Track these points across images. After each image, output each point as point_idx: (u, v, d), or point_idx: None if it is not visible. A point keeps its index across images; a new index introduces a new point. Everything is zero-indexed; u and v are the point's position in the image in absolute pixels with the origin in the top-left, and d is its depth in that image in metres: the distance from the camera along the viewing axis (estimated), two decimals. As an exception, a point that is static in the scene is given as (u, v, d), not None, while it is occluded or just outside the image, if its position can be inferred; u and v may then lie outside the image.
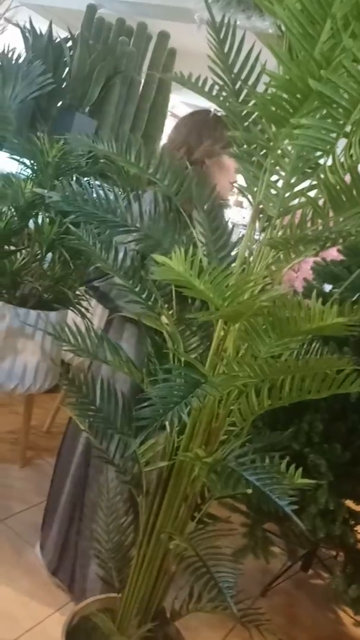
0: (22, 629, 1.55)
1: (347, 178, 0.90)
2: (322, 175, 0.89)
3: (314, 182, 0.99)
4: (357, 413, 1.72)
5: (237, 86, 1.00)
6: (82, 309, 2.20)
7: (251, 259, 1.07)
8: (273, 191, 1.03)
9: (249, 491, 0.97)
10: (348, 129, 0.93)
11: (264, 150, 1.00)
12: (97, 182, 2.16)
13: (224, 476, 1.03)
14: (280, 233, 0.99)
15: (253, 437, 1.35)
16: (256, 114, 0.97)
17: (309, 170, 0.98)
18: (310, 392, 1.13)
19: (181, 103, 6.84)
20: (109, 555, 1.36)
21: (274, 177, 1.04)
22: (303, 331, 0.98)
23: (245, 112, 0.97)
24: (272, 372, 1.05)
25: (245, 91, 1.00)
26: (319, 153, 0.88)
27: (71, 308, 2.21)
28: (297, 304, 0.95)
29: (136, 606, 1.24)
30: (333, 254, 2.23)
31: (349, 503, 1.79)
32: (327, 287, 1.92)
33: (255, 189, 1.04)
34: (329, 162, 0.91)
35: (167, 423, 1.20)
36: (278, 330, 1.01)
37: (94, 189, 1.13)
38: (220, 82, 1.04)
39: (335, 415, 1.76)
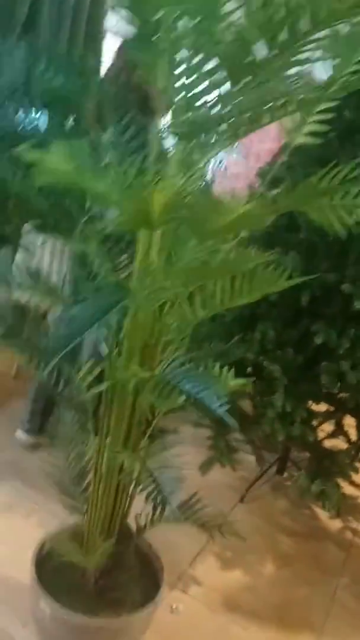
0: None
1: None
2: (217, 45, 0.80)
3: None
4: (309, 317, 1.71)
5: None
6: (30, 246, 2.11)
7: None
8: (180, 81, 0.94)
9: (182, 399, 0.96)
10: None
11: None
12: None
13: (158, 389, 1.01)
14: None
15: (196, 349, 1.33)
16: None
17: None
18: (242, 295, 1.10)
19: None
20: (71, 482, 1.37)
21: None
22: (220, 228, 0.92)
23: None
24: (196, 277, 1.01)
25: None
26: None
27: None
28: (208, 200, 0.89)
29: (99, 526, 1.26)
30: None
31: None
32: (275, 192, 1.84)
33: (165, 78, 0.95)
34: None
35: (103, 345, 1.18)
36: (197, 231, 0.96)
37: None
38: None
39: (288, 322, 1.75)
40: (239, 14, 0.79)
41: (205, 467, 1.67)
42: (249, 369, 1.83)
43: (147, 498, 1.13)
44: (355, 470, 1.68)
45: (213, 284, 1.09)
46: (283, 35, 0.76)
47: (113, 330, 1.13)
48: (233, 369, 1.10)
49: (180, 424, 1.78)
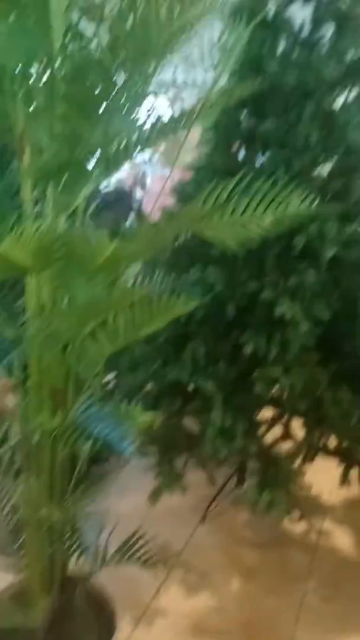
0: None
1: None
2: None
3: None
4: (238, 328, 1.70)
5: None
6: None
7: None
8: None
9: (89, 444, 0.93)
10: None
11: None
12: None
13: (67, 435, 0.98)
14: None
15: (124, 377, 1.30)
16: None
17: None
18: (144, 325, 1.07)
19: None
20: (8, 539, 1.32)
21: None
22: (100, 267, 0.90)
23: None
24: (91, 315, 0.98)
25: None
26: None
27: None
28: (82, 239, 0.87)
29: (39, 580, 1.21)
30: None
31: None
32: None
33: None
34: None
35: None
36: (79, 269, 0.93)
37: None
38: None
39: (219, 336, 1.74)
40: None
41: (153, 497, 1.64)
42: (190, 388, 1.81)
43: (74, 548, 1.09)
44: (302, 474, 1.68)
45: (114, 319, 1.06)
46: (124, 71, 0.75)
47: (18, 379, 1.09)
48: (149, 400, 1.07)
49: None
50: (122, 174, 2.94)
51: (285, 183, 1.17)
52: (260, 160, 1.75)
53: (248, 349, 1.63)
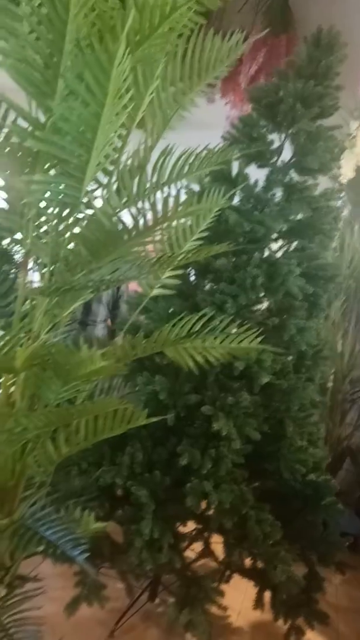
0: None
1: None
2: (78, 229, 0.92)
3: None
4: (176, 436, 1.79)
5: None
6: None
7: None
8: (43, 240, 1.04)
9: (41, 549, 0.94)
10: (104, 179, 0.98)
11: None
12: None
13: (17, 535, 0.99)
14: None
15: (60, 484, 1.32)
16: None
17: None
18: (104, 431, 1.15)
19: None
20: None
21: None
22: (81, 376, 0.99)
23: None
24: (60, 418, 1.04)
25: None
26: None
27: None
28: (70, 351, 0.96)
29: None
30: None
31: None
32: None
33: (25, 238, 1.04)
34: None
35: None
36: (61, 376, 1.01)
37: None
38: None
39: (156, 441, 1.81)
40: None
41: (71, 608, 1.58)
42: (119, 492, 1.83)
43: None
44: (221, 594, 1.70)
45: (77, 424, 1.13)
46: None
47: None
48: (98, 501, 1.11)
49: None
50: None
51: (233, 319, 1.35)
52: (208, 286, 1.96)
53: (183, 460, 1.70)
